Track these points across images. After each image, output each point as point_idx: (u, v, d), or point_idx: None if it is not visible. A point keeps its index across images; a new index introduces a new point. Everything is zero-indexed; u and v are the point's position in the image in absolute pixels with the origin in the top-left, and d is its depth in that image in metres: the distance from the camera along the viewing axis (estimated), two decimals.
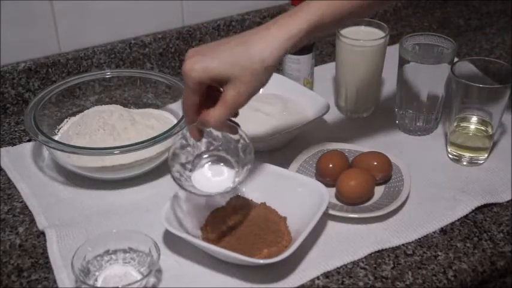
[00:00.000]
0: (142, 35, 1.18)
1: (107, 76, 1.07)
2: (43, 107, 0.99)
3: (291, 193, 0.87)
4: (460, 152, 0.99)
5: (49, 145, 0.91)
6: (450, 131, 0.99)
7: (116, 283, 0.77)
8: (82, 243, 0.80)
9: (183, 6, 1.20)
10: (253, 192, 0.89)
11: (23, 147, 1.02)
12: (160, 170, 0.96)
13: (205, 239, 0.82)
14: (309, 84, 1.12)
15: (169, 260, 0.82)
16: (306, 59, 1.10)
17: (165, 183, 0.94)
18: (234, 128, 0.81)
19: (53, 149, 0.91)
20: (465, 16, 1.45)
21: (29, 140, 1.04)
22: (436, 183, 0.95)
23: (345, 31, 1.04)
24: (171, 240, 0.83)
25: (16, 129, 1.07)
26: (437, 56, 1.00)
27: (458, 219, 0.89)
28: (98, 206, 0.90)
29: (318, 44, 1.29)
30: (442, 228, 0.88)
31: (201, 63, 0.74)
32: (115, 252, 0.81)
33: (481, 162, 0.99)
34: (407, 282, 0.80)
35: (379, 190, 0.92)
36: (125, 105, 1.06)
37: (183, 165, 0.82)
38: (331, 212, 0.86)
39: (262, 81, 0.76)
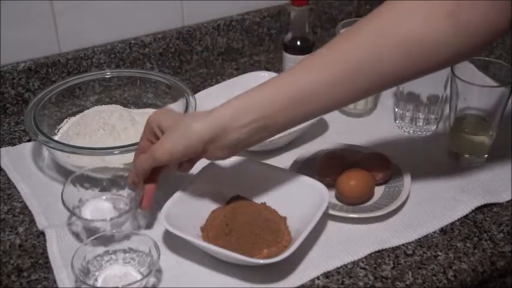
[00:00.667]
0: (142, 35, 1.18)
1: (107, 76, 1.07)
2: (43, 107, 0.99)
3: (291, 193, 0.87)
4: (460, 152, 0.98)
5: (49, 145, 0.91)
6: (450, 131, 0.99)
7: (116, 283, 0.77)
8: (82, 243, 0.80)
9: (183, 6, 1.20)
10: (253, 192, 0.89)
11: (23, 147, 1.02)
12: None
13: (205, 239, 0.82)
14: None
15: (169, 260, 0.82)
16: None
17: (164, 183, 0.94)
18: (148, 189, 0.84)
19: (53, 149, 0.91)
20: None
21: (29, 140, 1.04)
22: (436, 183, 0.95)
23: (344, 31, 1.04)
24: (171, 240, 0.83)
25: (16, 129, 1.07)
26: None
27: (458, 219, 0.89)
28: None
29: (318, 44, 1.29)
30: (442, 228, 0.88)
31: (159, 112, 0.83)
32: (115, 252, 0.81)
33: (481, 162, 0.99)
34: (407, 282, 0.80)
35: (379, 190, 0.92)
36: (125, 105, 1.06)
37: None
38: (331, 212, 0.86)
39: (186, 143, 0.76)
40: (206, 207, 0.87)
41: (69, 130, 1.00)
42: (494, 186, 0.94)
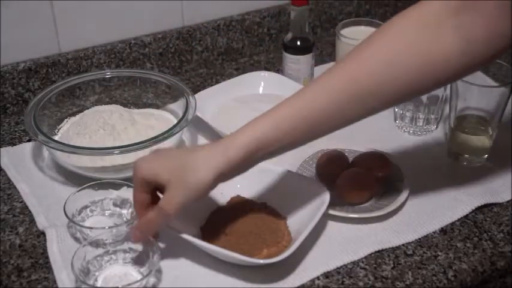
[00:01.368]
0: (142, 35, 1.18)
1: (107, 76, 1.07)
2: (43, 107, 0.99)
3: (291, 193, 0.87)
4: (460, 152, 0.98)
5: (49, 145, 0.91)
6: (450, 131, 0.99)
7: (116, 283, 0.77)
8: (82, 243, 0.80)
9: (183, 6, 1.20)
10: (253, 192, 0.89)
11: (23, 147, 1.02)
12: None
13: (205, 239, 0.82)
14: None
15: (169, 260, 0.82)
16: (306, 59, 1.10)
17: None
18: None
19: (53, 149, 0.91)
20: None
21: (29, 140, 1.04)
22: (436, 183, 0.95)
23: (345, 31, 1.04)
24: (171, 240, 0.83)
25: (16, 129, 1.07)
26: None
27: (458, 219, 0.89)
28: None
29: (318, 44, 1.29)
30: (442, 228, 0.88)
31: (150, 163, 0.77)
32: (115, 252, 0.81)
33: (481, 162, 0.99)
34: (407, 282, 0.80)
35: (379, 190, 0.92)
36: (125, 105, 1.06)
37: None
38: (331, 212, 0.86)
39: (197, 195, 0.75)
40: (206, 207, 0.87)
41: (69, 130, 1.00)
42: (494, 186, 0.94)
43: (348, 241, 0.85)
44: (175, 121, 0.99)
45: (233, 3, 1.25)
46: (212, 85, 1.14)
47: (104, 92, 1.08)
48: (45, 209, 0.90)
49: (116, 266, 0.80)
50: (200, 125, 1.04)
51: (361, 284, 0.79)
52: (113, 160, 0.92)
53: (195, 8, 1.21)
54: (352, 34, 1.02)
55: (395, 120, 1.08)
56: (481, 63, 0.75)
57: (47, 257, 0.83)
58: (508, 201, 0.92)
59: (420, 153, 1.01)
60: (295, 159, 0.96)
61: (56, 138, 0.98)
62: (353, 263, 0.82)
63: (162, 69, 1.21)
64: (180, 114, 0.97)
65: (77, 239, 0.85)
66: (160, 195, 0.77)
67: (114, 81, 1.08)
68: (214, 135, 1.02)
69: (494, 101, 0.93)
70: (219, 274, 0.80)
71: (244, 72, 1.17)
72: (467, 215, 0.90)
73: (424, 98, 1.02)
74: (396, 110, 1.06)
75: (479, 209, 0.91)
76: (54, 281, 0.79)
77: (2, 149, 1.02)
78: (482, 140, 0.97)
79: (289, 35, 1.10)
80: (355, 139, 1.02)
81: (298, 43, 1.09)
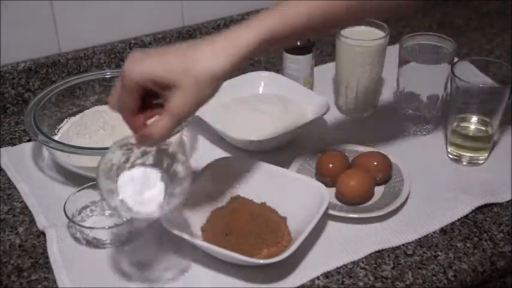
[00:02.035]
0: (142, 35, 1.18)
1: (107, 76, 1.07)
2: (43, 107, 0.99)
3: (291, 193, 0.87)
4: (460, 152, 0.98)
5: (49, 145, 0.91)
6: (450, 131, 0.99)
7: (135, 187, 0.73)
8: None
9: (183, 6, 1.20)
10: (253, 192, 0.89)
11: (23, 147, 1.02)
12: None
13: (205, 239, 0.82)
14: (309, 84, 1.12)
15: (169, 260, 0.82)
16: (306, 59, 1.10)
17: None
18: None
19: (53, 149, 0.91)
20: (465, 16, 1.45)
21: (29, 140, 1.04)
22: (436, 183, 0.95)
23: (345, 31, 1.04)
24: (171, 240, 0.83)
25: (16, 129, 1.07)
26: (437, 56, 1.00)
27: (458, 219, 0.89)
28: None
29: (318, 44, 1.29)
30: (442, 228, 0.88)
31: (142, 64, 0.68)
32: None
33: (481, 162, 0.99)
34: (407, 282, 0.80)
35: (379, 190, 0.92)
36: None
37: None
38: (331, 212, 0.86)
39: (208, 92, 0.70)
40: (206, 207, 0.87)
41: (69, 130, 1.00)
42: (494, 186, 0.94)
43: (348, 241, 0.85)
44: None
45: (233, 3, 1.24)
46: None
47: (104, 92, 1.08)
48: (45, 209, 0.90)
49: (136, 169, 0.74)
50: (200, 125, 1.04)
51: (361, 284, 0.79)
52: None
53: (195, 8, 1.21)
54: (352, 34, 1.02)
55: (395, 120, 1.08)
56: None
57: (47, 257, 0.83)
58: (508, 201, 0.92)
59: (420, 153, 1.01)
60: (295, 159, 0.96)
61: (56, 138, 0.98)
62: (353, 263, 0.82)
63: None
64: None
65: (77, 239, 0.85)
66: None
67: (114, 81, 1.07)
68: (214, 135, 1.02)
69: (494, 101, 0.93)
70: (219, 274, 0.80)
71: (244, 72, 1.17)
72: (467, 215, 0.90)
73: (424, 98, 1.02)
74: (396, 110, 1.06)
75: (479, 209, 0.91)
76: (54, 281, 0.79)
77: (2, 149, 1.02)
78: (482, 140, 0.97)
79: None
80: (355, 139, 1.02)
81: (298, 43, 1.09)
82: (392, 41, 1.09)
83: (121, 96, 0.69)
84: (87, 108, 1.05)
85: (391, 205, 0.88)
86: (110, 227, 0.83)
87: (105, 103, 1.05)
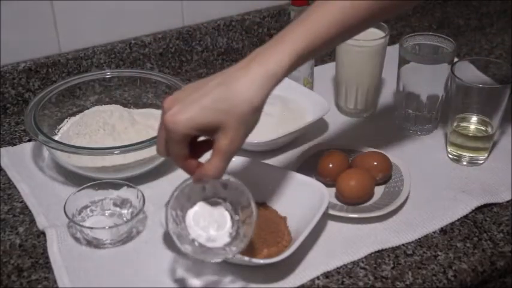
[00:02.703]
0: (142, 35, 1.18)
1: (107, 76, 1.07)
2: (43, 107, 0.99)
3: (291, 193, 0.87)
4: (460, 152, 0.99)
5: (49, 145, 0.91)
6: (450, 131, 0.99)
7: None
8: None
9: (183, 6, 1.20)
10: (253, 192, 0.89)
11: (23, 147, 1.02)
12: (160, 170, 0.96)
13: None
14: (309, 84, 1.12)
15: (169, 260, 0.82)
16: None
17: (165, 183, 0.94)
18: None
19: (53, 149, 0.91)
20: (465, 16, 1.45)
21: (29, 140, 1.04)
22: (436, 183, 0.95)
23: None
24: (171, 240, 0.83)
25: (16, 129, 1.07)
26: (437, 56, 1.00)
27: (458, 219, 0.89)
28: None
29: None
30: (442, 228, 0.88)
31: (184, 113, 0.68)
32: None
33: (481, 162, 0.99)
34: (407, 282, 0.80)
35: (379, 190, 0.92)
36: (125, 105, 1.06)
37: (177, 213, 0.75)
38: (331, 212, 0.86)
39: (252, 123, 0.70)
40: None
41: (69, 130, 1.00)
42: (494, 186, 0.94)
43: (348, 241, 0.85)
44: None
45: (233, 3, 1.25)
46: None
47: (104, 92, 1.08)
48: (45, 209, 0.90)
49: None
50: None
51: (361, 284, 0.79)
52: (113, 160, 0.92)
53: (195, 8, 1.21)
54: None
55: (395, 120, 1.08)
56: None
57: (47, 257, 0.83)
58: (508, 201, 0.92)
59: (420, 153, 1.01)
60: (295, 159, 0.96)
61: (56, 138, 0.98)
62: (353, 263, 0.82)
63: (162, 69, 1.21)
64: None
65: (77, 239, 0.85)
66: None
67: (114, 81, 1.08)
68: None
69: (494, 101, 0.93)
70: (219, 274, 0.80)
71: None
72: (467, 215, 0.90)
73: (424, 98, 1.02)
74: (396, 110, 1.06)
75: (479, 209, 0.91)
76: (54, 281, 0.79)
77: (2, 149, 1.02)
78: (482, 140, 0.97)
79: None
80: (355, 139, 1.02)
81: None
82: (392, 41, 1.09)
83: (170, 147, 0.70)
84: (87, 108, 1.05)
85: (391, 205, 0.88)
86: (110, 227, 0.83)
87: (105, 103, 1.06)
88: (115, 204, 0.88)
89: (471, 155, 0.98)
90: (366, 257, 0.83)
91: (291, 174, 0.90)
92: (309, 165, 0.96)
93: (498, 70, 0.98)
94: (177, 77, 1.13)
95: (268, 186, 0.89)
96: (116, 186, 0.88)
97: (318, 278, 0.80)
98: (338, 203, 0.91)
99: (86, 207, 0.88)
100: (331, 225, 0.87)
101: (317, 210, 0.82)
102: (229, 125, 0.68)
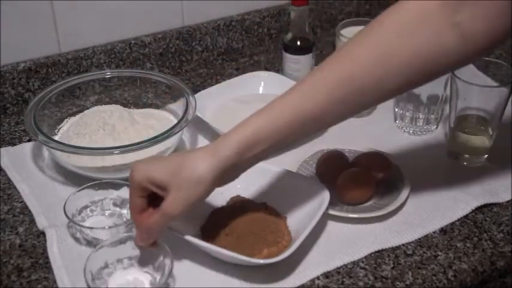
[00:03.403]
0: (142, 35, 1.18)
1: (107, 76, 1.07)
2: (43, 107, 0.99)
3: (291, 193, 0.87)
4: (460, 152, 0.98)
5: (49, 145, 0.91)
6: (450, 131, 0.99)
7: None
8: (88, 254, 0.78)
9: (183, 6, 1.20)
10: (253, 192, 0.89)
11: (23, 147, 1.02)
12: None
13: (205, 239, 0.82)
14: None
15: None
16: (306, 59, 1.10)
17: None
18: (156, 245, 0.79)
19: (53, 149, 0.91)
20: None
21: (29, 140, 1.04)
22: (436, 183, 0.95)
23: (345, 31, 1.04)
24: (171, 240, 0.83)
25: (16, 129, 1.07)
26: None
27: (458, 219, 0.89)
28: None
29: (318, 44, 1.29)
30: (442, 228, 0.88)
31: (144, 165, 0.76)
32: (121, 260, 0.80)
33: (481, 162, 0.99)
34: (407, 282, 0.80)
35: (379, 190, 0.92)
36: (125, 105, 1.06)
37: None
38: (331, 212, 0.86)
39: (199, 194, 0.74)
40: (206, 207, 0.87)
41: (69, 130, 1.00)
42: (494, 186, 0.94)
43: (348, 241, 0.85)
44: (175, 121, 0.99)
45: (233, 3, 1.25)
46: (212, 85, 1.14)
47: (104, 92, 1.08)
48: (45, 209, 0.90)
49: (126, 271, 0.79)
50: (200, 125, 1.04)
51: (361, 284, 0.79)
52: (113, 160, 0.92)
53: (195, 8, 1.21)
54: (352, 34, 1.02)
55: (395, 120, 1.08)
56: (478, 55, 0.74)
57: (47, 257, 0.83)
58: (508, 201, 0.92)
59: (420, 153, 1.01)
60: (295, 159, 0.96)
61: (56, 138, 0.98)
62: (353, 263, 0.82)
63: (162, 69, 1.21)
64: (180, 114, 0.97)
65: (77, 239, 0.85)
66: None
67: (114, 81, 1.08)
68: (214, 135, 1.02)
69: (494, 101, 0.93)
70: (219, 274, 0.80)
71: (244, 72, 1.17)
72: (467, 215, 0.90)
73: (424, 98, 1.02)
74: (396, 110, 1.06)
75: (479, 209, 0.91)
76: (54, 281, 0.79)
77: (2, 149, 1.02)
78: (482, 140, 0.97)
79: (289, 35, 1.10)
80: (355, 139, 1.02)
81: (298, 43, 1.09)
82: None
83: (130, 197, 0.77)
84: (87, 108, 1.05)
85: (391, 205, 0.88)
86: (110, 227, 0.83)
87: (105, 103, 1.06)
88: (115, 204, 0.89)
89: (471, 155, 0.98)
90: (366, 257, 0.83)
91: (291, 174, 0.90)
92: (309, 165, 0.96)
93: (498, 70, 0.98)
94: (177, 77, 1.13)
95: (268, 186, 0.89)
96: (115, 186, 0.88)
97: (318, 278, 0.80)
98: (338, 203, 0.91)
99: (85, 207, 0.88)
100: (331, 225, 0.87)
101: (317, 210, 0.82)
102: (174, 188, 0.73)
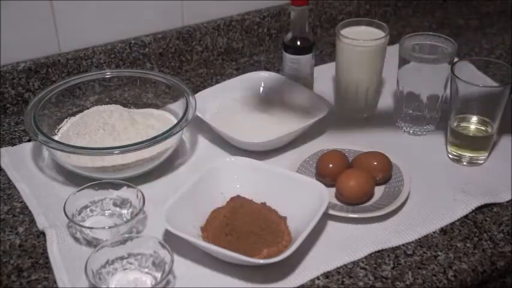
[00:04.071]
0: (142, 35, 1.18)
1: (107, 76, 1.07)
2: (43, 107, 0.99)
3: (291, 193, 0.87)
4: (460, 152, 0.99)
5: (49, 145, 0.91)
6: (450, 131, 0.99)
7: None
8: (88, 254, 0.78)
9: (183, 6, 1.20)
10: (253, 192, 0.89)
11: (23, 147, 1.02)
12: (160, 170, 0.96)
13: (205, 239, 0.82)
14: (309, 84, 1.12)
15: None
16: (306, 59, 1.09)
17: (165, 183, 0.94)
18: None
19: (53, 149, 0.91)
20: (465, 16, 1.45)
21: (29, 140, 1.04)
22: (436, 183, 0.95)
23: (345, 31, 1.04)
24: (171, 240, 0.83)
25: (16, 129, 1.07)
26: (437, 56, 1.00)
27: (458, 219, 0.89)
28: None
29: (318, 44, 1.29)
30: (442, 228, 0.88)
31: None
32: (122, 258, 0.80)
33: (481, 162, 0.99)
34: (407, 282, 0.80)
35: (379, 190, 0.92)
36: (124, 105, 1.06)
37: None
38: (331, 212, 0.86)
39: None
40: (206, 207, 0.87)
41: (69, 130, 1.00)
42: (494, 186, 0.94)
43: (348, 241, 0.85)
44: (175, 121, 0.99)
45: (233, 3, 1.25)
46: (212, 85, 1.14)
47: (104, 92, 1.08)
48: (45, 209, 0.90)
49: (126, 271, 0.79)
50: (200, 125, 1.04)
51: (361, 284, 0.79)
52: (113, 160, 0.92)
53: (195, 8, 1.21)
54: (352, 34, 1.02)
55: (395, 120, 1.08)
56: None
57: (47, 257, 0.83)
58: (508, 201, 0.92)
59: (420, 153, 1.01)
60: (295, 159, 0.96)
61: (56, 138, 0.98)
62: (353, 263, 0.82)
63: (162, 69, 1.21)
64: (180, 114, 0.97)
65: (77, 239, 0.85)
66: None
67: (114, 81, 1.08)
68: (214, 135, 1.02)
69: (494, 101, 0.93)
70: (219, 274, 0.80)
71: (244, 72, 1.17)
72: (467, 215, 0.90)
73: (424, 98, 1.02)
74: (396, 110, 1.06)
75: (479, 209, 0.91)
76: (54, 281, 0.79)
77: (2, 149, 1.02)
78: (482, 140, 0.97)
79: (289, 35, 1.10)
80: (355, 139, 1.02)
81: (298, 43, 1.09)
82: (392, 41, 1.09)
83: None
84: (87, 108, 1.05)
85: (391, 205, 0.88)
86: (110, 227, 0.83)
87: (105, 103, 1.06)
88: (115, 204, 0.89)
89: (471, 155, 0.98)
90: (366, 257, 0.83)
91: (291, 174, 0.90)
92: (309, 165, 0.96)
93: (498, 70, 0.98)
94: (177, 77, 1.13)
95: (268, 186, 0.89)
96: (115, 186, 0.88)
97: (318, 278, 0.80)
98: (338, 203, 0.91)
99: (85, 207, 0.88)
100: (331, 225, 0.87)
101: (317, 210, 0.82)
102: None
